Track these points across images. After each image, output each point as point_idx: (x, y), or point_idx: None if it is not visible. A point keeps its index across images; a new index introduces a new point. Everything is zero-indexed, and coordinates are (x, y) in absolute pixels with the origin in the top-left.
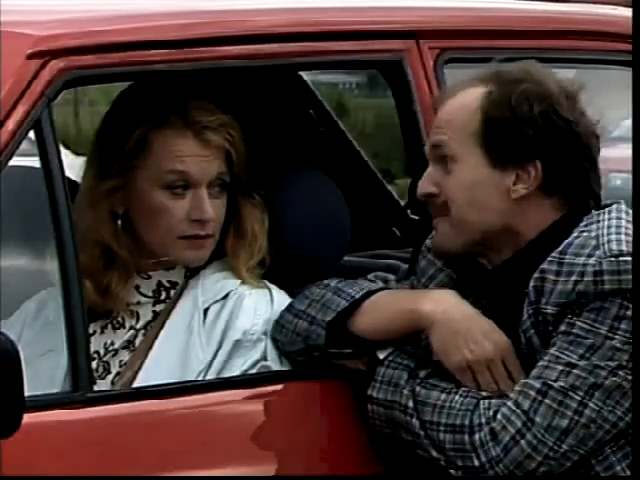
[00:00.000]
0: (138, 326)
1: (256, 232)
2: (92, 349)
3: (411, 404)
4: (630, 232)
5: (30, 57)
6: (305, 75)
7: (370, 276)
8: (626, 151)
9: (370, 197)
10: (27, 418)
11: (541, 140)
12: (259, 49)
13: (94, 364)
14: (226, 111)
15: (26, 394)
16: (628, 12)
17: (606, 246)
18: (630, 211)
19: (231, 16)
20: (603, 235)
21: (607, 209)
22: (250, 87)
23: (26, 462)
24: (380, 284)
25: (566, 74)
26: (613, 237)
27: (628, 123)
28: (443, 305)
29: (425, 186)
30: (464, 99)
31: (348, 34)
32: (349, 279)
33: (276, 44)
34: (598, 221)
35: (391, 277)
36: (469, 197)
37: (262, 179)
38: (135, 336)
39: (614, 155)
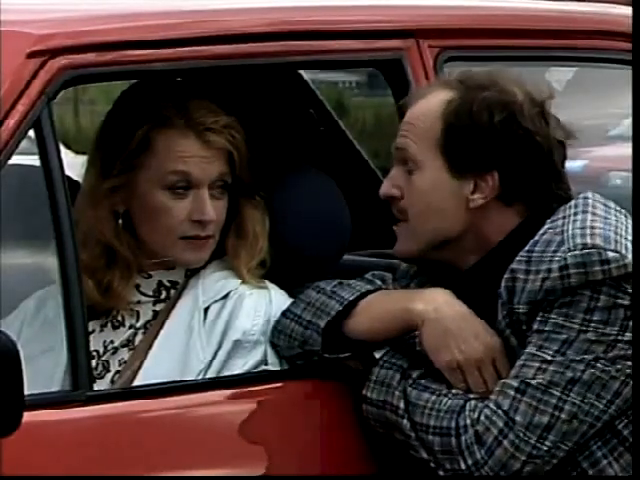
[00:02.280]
0: (138, 325)
1: (257, 233)
2: (91, 348)
3: (402, 405)
4: (596, 224)
5: (30, 56)
6: (305, 74)
7: (368, 275)
8: (626, 150)
9: (370, 196)
10: (27, 417)
11: (499, 150)
12: (258, 48)
13: (93, 363)
14: (226, 110)
15: (26, 393)
16: (628, 10)
17: (570, 241)
18: (599, 198)
19: (229, 15)
20: (568, 230)
21: (573, 202)
22: (250, 86)
23: (26, 461)
24: (378, 283)
25: (566, 73)
26: (578, 231)
27: (628, 122)
28: (435, 304)
29: (387, 188)
30: (428, 104)
31: (348, 33)
32: (348, 279)
33: (275, 43)
34: (564, 217)
35: (389, 276)
36: (427, 204)
37: (262, 178)
38: (135, 335)
39: (614, 154)
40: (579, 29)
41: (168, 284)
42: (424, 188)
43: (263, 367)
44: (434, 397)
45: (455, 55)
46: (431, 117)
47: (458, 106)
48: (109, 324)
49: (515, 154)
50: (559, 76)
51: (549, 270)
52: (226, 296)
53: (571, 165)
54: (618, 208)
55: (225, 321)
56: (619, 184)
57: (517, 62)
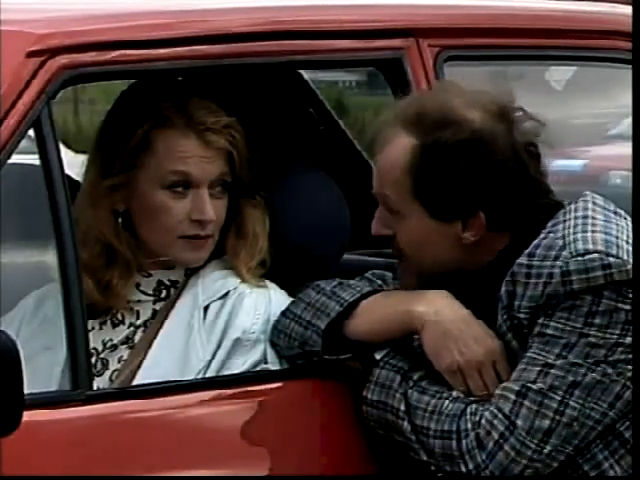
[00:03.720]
0: (138, 323)
1: (257, 233)
2: (90, 345)
3: (403, 407)
4: (597, 228)
5: (29, 55)
6: (305, 73)
7: (368, 274)
8: (626, 149)
9: (370, 195)
10: (26, 416)
11: (475, 193)
12: (258, 47)
13: (92, 360)
14: (226, 109)
15: (25, 392)
16: (628, 10)
17: (572, 246)
18: (598, 201)
19: (229, 14)
20: (569, 235)
21: (573, 206)
22: (250, 85)
23: (26, 461)
24: (378, 282)
25: (566, 73)
26: (579, 236)
27: (628, 121)
28: (436, 306)
29: (378, 229)
30: (392, 156)
31: (348, 32)
32: (347, 279)
33: (275, 42)
34: (564, 220)
35: (389, 275)
36: (419, 249)
37: (263, 178)
38: (134, 333)
39: (614, 153)
40: (579, 28)
41: (168, 283)
42: (414, 235)
43: (263, 366)
44: (435, 400)
45: (455, 54)
46: (399, 170)
47: (421, 157)
48: (108, 322)
49: (493, 190)
50: (559, 76)
51: (551, 275)
52: (226, 295)
53: (571, 164)
54: (617, 210)
55: (225, 320)
56: (619, 183)
57: (517, 61)
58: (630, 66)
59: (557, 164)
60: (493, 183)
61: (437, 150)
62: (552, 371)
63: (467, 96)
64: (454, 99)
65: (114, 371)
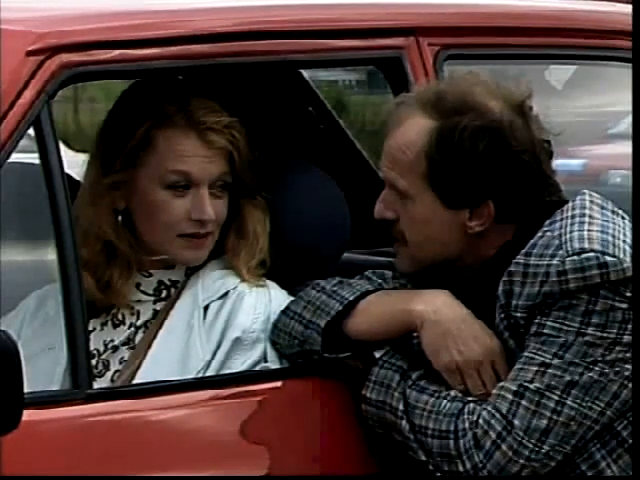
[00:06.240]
0: (138, 323)
1: (258, 233)
2: (92, 346)
3: (401, 407)
4: (594, 227)
5: (29, 54)
6: (305, 73)
7: (367, 273)
8: (626, 148)
9: (370, 194)
10: (27, 415)
11: (490, 181)
12: (259, 46)
13: (94, 362)
14: (227, 108)
15: (25, 391)
16: (628, 9)
17: (568, 244)
18: (596, 199)
19: (228, 13)
20: (565, 233)
21: (570, 205)
22: (250, 85)
23: (26, 460)
24: (377, 280)
25: (566, 71)
26: (575, 234)
27: (628, 120)
28: (435, 305)
29: (382, 212)
30: (408, 136)
31: (347, 31)
32: (347, 278)
33: (275, 41)
34: (561, 219)
35: (389, 274)
36: (424, 233)
37: (263, 177)
38: (135, 333)
39: (613, 152)
40: (578, 27)
41: (168, 283)
42: (420, 219)
43: (263, 365)
44: (433, 399)
45: (455, 53)
46: (413, 152)
47: (439, 140)
48: (109, 323)
49: (506, 180)
50: (559, 75)
51: (547, 274)
52: (225, 295)
53: (571, 164)
54: (615, 209)
55: (225, 320)
56: (619, 182)
57: (517, 60)
58: (630, 65)
59: (557, 163)
60: (507, 173)
61: (456, 134)
62: (549, 370)
63: (488, 86)
64: (475, 87)
65: (115, 372)
